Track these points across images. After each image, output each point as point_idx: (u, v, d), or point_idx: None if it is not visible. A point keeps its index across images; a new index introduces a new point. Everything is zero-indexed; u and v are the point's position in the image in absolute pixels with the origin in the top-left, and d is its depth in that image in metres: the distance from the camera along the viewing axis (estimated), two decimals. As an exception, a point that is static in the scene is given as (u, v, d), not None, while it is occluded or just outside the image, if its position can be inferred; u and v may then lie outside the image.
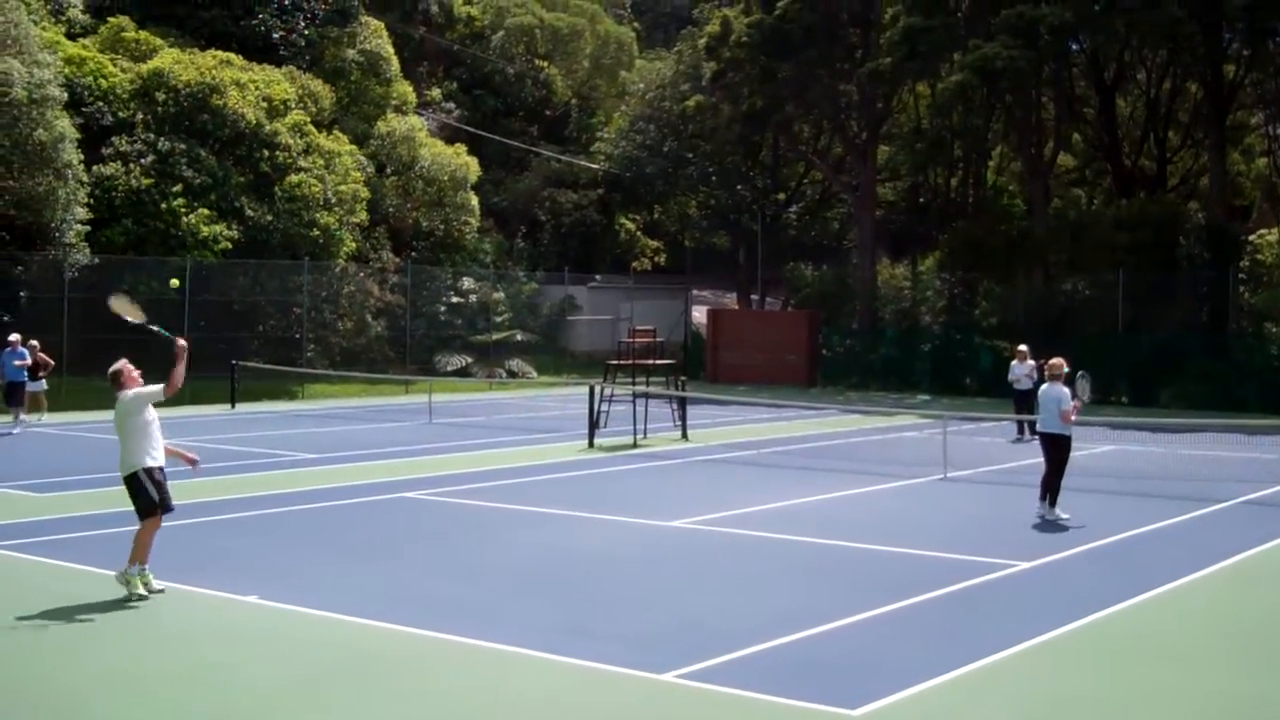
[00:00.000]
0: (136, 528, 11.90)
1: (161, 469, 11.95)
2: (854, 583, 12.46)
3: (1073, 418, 16.18)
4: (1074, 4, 37.40)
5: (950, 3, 42.89)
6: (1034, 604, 11.63)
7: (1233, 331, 37.37)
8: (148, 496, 11.79)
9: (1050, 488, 16.19)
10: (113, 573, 11.84)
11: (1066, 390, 16.24)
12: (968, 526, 15.90)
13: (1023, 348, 26.73)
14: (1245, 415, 31.24)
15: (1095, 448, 25.31)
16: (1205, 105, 42.39)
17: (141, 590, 11.54)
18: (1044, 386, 16.57)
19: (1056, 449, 16.22)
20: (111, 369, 12.30)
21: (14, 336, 27.52)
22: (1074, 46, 43.25)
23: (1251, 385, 34.97)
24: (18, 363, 27.10)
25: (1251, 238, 46.07)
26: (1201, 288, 38.62)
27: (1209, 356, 36.46)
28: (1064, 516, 15.98)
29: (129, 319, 12.40)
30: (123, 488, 12.07)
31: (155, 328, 12.34)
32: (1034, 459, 22.61)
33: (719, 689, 8.88)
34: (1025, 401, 24.80)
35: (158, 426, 12.20)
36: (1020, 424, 25.88)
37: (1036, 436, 17.02)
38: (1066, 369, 16.44)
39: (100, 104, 36.73)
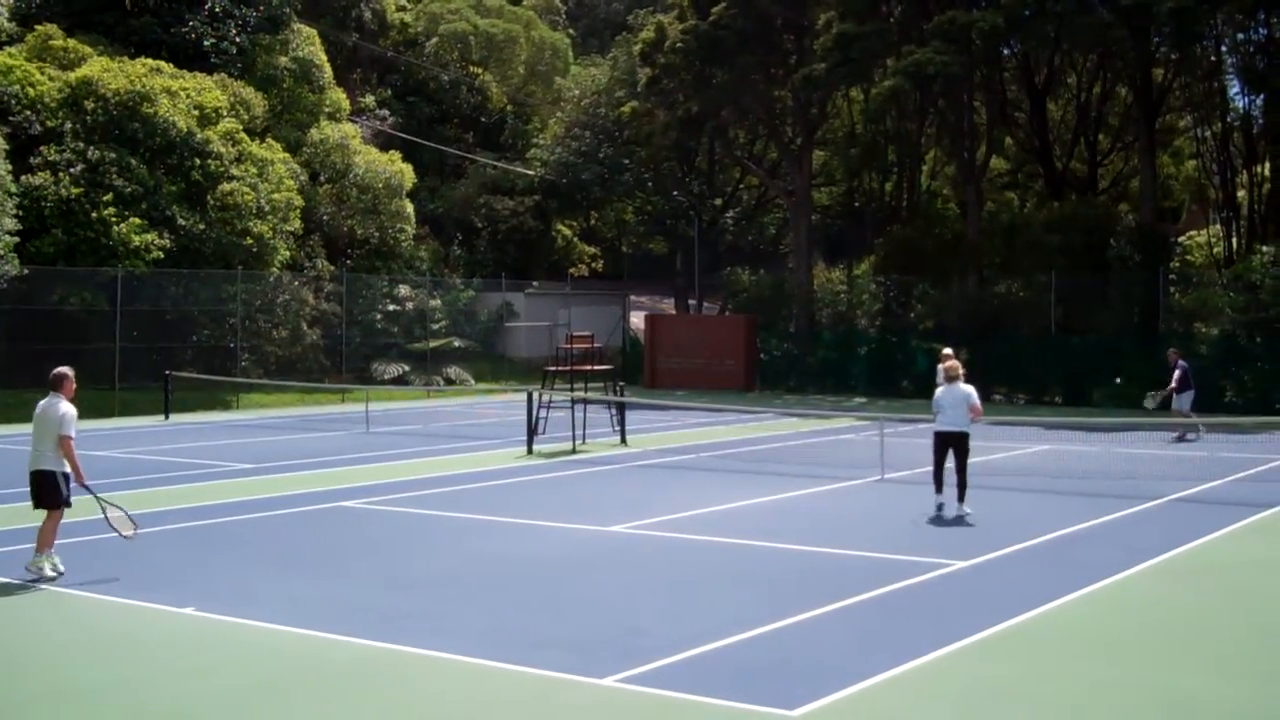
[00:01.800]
0: (37, 524, 12.85)
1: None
2: (793, 584, 12.51)
3: (980, 415, 16.85)
4: (1005, 9, 37.79)
5: (883, 8, 43.23)
6: (970, 602, 11.73)
7: (1163, 332, 37.85)
8: (60, 494, 12.77)
9: (959, 485, 16.66)
10: (45, 585, 11.70)
11: (972, 388, 16.85)
12: (905, 527, 16.01)
13: (947, 350, 26.19)
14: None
15: (1029, 447, 25.60)
16: (1135, 108, 42.93)
17: (50, 571, 12.51)
18: (947, 387, 17.03)
19: (963, 445, 16.72)
20: (59, 371, 13.13)
21: None
22: (1005, 51, 43.71)
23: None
24: None
25: (1181, 239, 46.83)
26: (1132, 289, 39.09)
27: (1140, 356, 36.91)
28: (969, 512, 16.52)
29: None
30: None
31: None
32: (969, 460, 22.82)
33: (659, 693, 8.90)
34: None
35: None
36: None
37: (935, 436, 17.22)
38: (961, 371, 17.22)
39: (28, 113, 36.23)
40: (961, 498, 16.69)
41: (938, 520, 16.38)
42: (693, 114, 47.42)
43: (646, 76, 47.83)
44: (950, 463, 16.81)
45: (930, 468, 17.24)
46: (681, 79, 46.13)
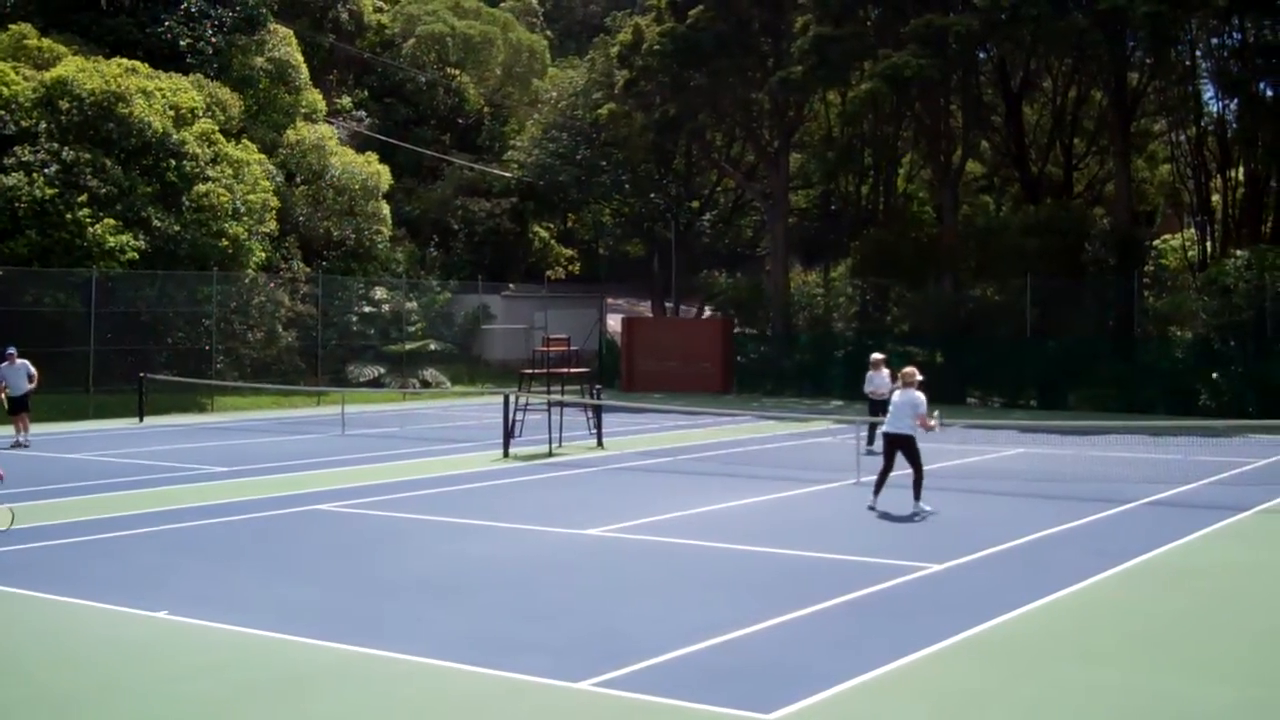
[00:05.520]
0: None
1: None
2: (769, 587, 12.51)
3: (931, 424, 17.23)
4: (981, 13, 37.92)
5: (860, 12, 43.33)
6: (946, 605, 11.75)
7: (1138, 335, 38.04)
8: None
9: (915, 483, 17.20)
10: (11, 590, 11.65)
11: (922, 396, 17.25)
12: (881, 530, 16.04)
13: (877, 356, 25.59)
14: (1151, 417, 31.80)
15: (1005, 450, 25.67)
16: (1110, 112, 43.08)
17: None
18: (899, 392, 17.49)
19: (909, 449, 17.18)
20: None
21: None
22: (981, 55, 43.82)
23: (1157, 388, 35.64)
24: None
25: (1156, 243, 47.00)
26: (1107, 292, 39.30)
27: (1115, 360, 37.10)
28: (928, 509, 17.07)
29: None
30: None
31: None
32: (944, 463, 22.91)
33: (636, 696, 8.89)
34: (883, 410, 21.60)
35: None
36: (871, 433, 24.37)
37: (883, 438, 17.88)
38: (920, 377, 17.59)
39: (2, 113, 35.98)
40: (917, 495, 17.18)
41: (913, 523, 16.42)
42: (670, 116, 47.43)
43: (624, 79, 47.83)
44: (906, 465, 17.30)
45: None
46: (659, 81, 46.17)
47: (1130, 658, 10.13)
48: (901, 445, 17.24)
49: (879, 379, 24.72)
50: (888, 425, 17.50)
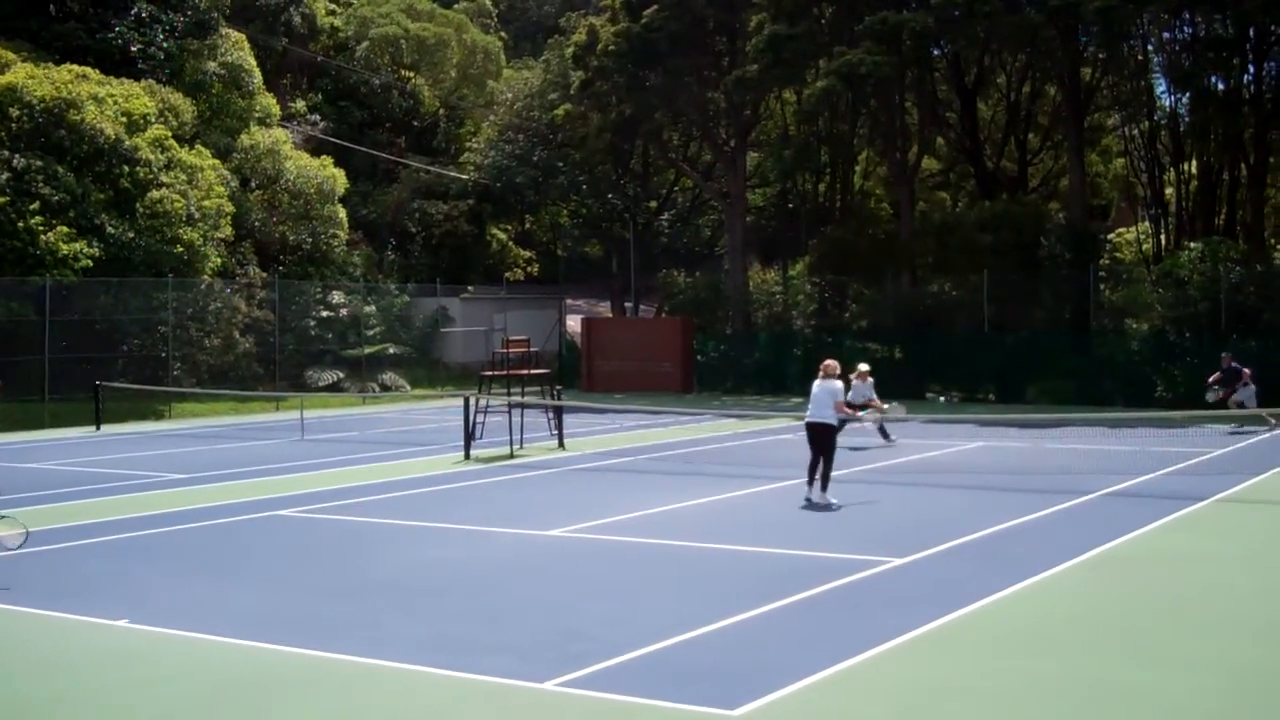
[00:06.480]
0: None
1: None
2: (731, 585, 12.52)
3: (845, 410, 18.04)
4: (935, 10, 38.10)
5: (814, 10, 43.44)
6: (907, 599, 11.79)
7: (1094, 328, 38.29)
8: None
9: (822, 475, 17.52)
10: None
11: (840, 384, 17.85)
12: (841, 525, 16.08)
13: (864, 367, 25.61)
14: (1108, 409, 32.04)
15: (963, 444, 25.80)
16: (1064, 107, 43.39)
17: None
18: (817, 383, 17.89)
19: (826, 439, 17.58)
20: None
21: None
22: (935, 51, 44.02)
23: (1114, 380, 35.89)
24: None
25: (1110, 236, 47.32)
26: (1063, 286, 39.53)
27: (1072, 353, 37.34)
28: (834, 501, 17.32)
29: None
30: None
31: None
32: (904, 458, 23.04)
33: (600, 695, 8.88)
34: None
35: None
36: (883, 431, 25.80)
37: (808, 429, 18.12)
38: (838, 371, 18.17)
39: (-49, 121, 35.69)
40: (824, 487, 17.49)
41: (873, 518, 16.47)
42: (626, 116, 47.46)
43: (579, 79, 47.80)
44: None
45: None
46: (614, 82, 46.15)
47: (1089, 648, 10.17)
48: (819, 434, 17.57)
49: (864, 389, 24.59)
50: (809, 415, 17.84)
